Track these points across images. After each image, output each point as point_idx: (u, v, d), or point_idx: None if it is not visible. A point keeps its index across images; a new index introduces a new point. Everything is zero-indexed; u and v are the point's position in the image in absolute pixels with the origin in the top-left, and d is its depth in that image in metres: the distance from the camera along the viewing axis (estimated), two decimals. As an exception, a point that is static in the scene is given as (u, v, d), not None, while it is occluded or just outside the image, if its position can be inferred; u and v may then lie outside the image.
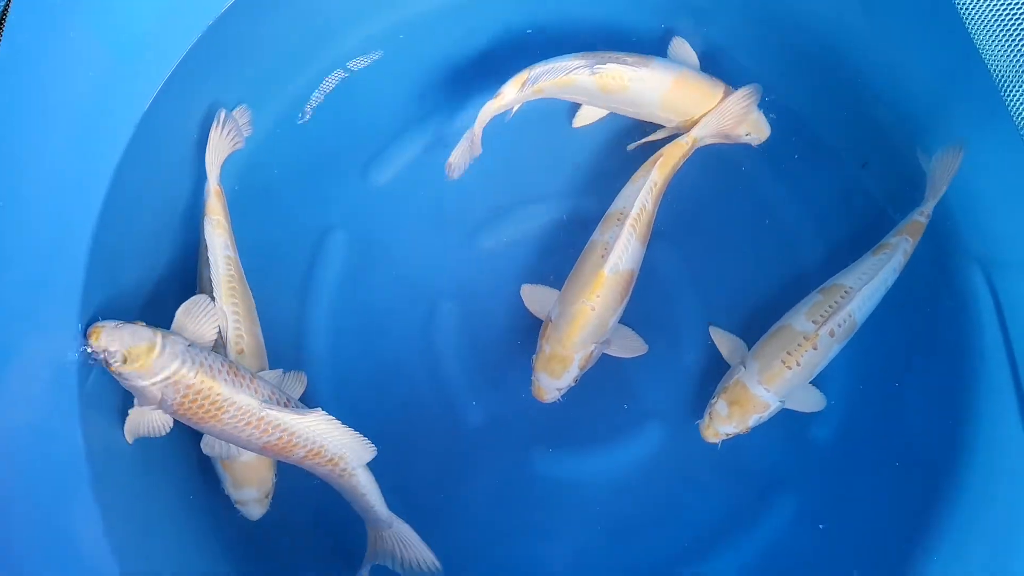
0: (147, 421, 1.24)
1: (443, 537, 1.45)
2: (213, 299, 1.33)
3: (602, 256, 1.35)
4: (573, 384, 1.38)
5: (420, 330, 1.55)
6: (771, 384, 1.33)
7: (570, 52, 1.47)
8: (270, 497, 1.39)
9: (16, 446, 1.14)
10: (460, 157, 1.41)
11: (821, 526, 1.46)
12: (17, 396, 1.15)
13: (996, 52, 1.02)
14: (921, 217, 1.40)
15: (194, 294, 1.35)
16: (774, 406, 1.34)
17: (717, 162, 1.52)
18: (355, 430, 1.25)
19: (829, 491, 1.47)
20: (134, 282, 1.36)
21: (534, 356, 1.39)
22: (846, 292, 1.35)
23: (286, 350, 1.52)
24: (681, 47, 1.50)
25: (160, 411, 1.22)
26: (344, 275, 1.57)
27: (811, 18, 1.52)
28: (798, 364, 1.32)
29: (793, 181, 1.54)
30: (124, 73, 1.29)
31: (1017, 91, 1.02)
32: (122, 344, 1.15)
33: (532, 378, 1.39)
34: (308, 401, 1.42)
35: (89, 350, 1.17)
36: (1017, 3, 0.99)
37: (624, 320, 1.41)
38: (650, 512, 1.48)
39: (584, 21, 1.56)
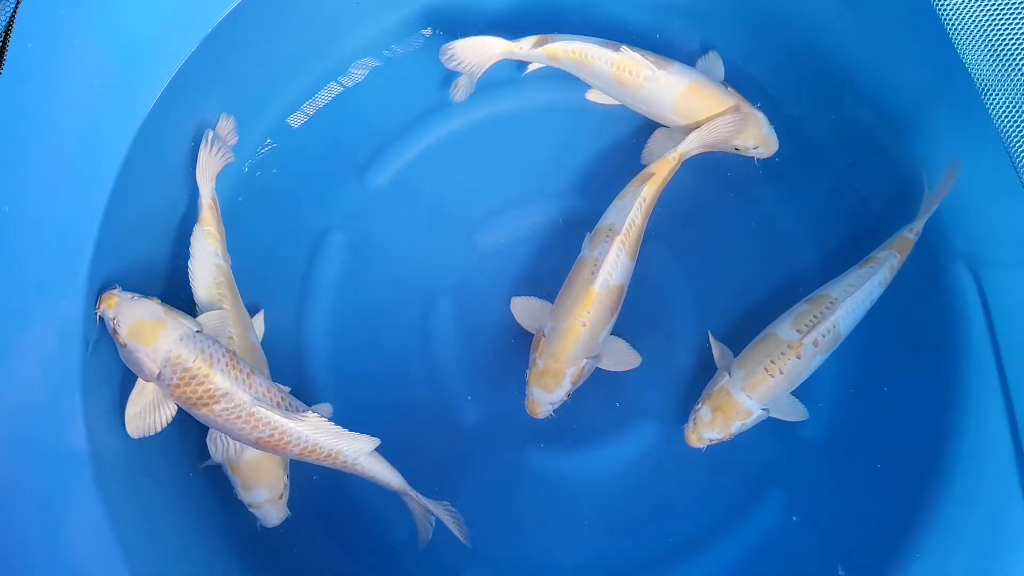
0: (149, 410, 1.24)
1: (440, 533, 1.46)
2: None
3: (592, 272, 1.37)
4: (566, 399, 1.40)
5: (418, 330, 1.57)
6: (754, 391, 1.35)
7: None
8: (284, 498, 1.39)
9: (21, 461, 1.16)
10: (461, 90, 1.51)
11: (794, 518, 1.48)
12: (20, 406, 1.17)
13: (977, 59, 1.04)
14: (910, 234, 1.42)
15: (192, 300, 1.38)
16: (757, 413, 1.36)
17: (710, 163, 1.53)
18: (350, 429, 1.26)
19: (818, 488, 1.49)
20: (138, 287, 1.38)
21: (527, 370, 1.41)
22: (831, 303, 1.36)
23: (285, 350, 1.54)
24: (711, 62, 1.52)
25: (161, 403, 1.23)
26: (343, 276, 1.59)
27: (801, 21, 1.54)
28: (781, 372, 1.34)
29: (783, 181, 1.56)
30: (127, 78, 1.32)
31: (996, 96, 1.04)
32: (132, 316, 1.18)
33: (526, 392, 1.41)
34: (311, 400, 1.44)
35: (99, 314, 1.19)
36: (996, 15, 1.01)
37: (619, 319, 1.43)
38: (643, 508, 1.50)
39: (583, 28, 1.58)
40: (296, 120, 1.62)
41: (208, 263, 1.40)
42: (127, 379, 1.28)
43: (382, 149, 1.62)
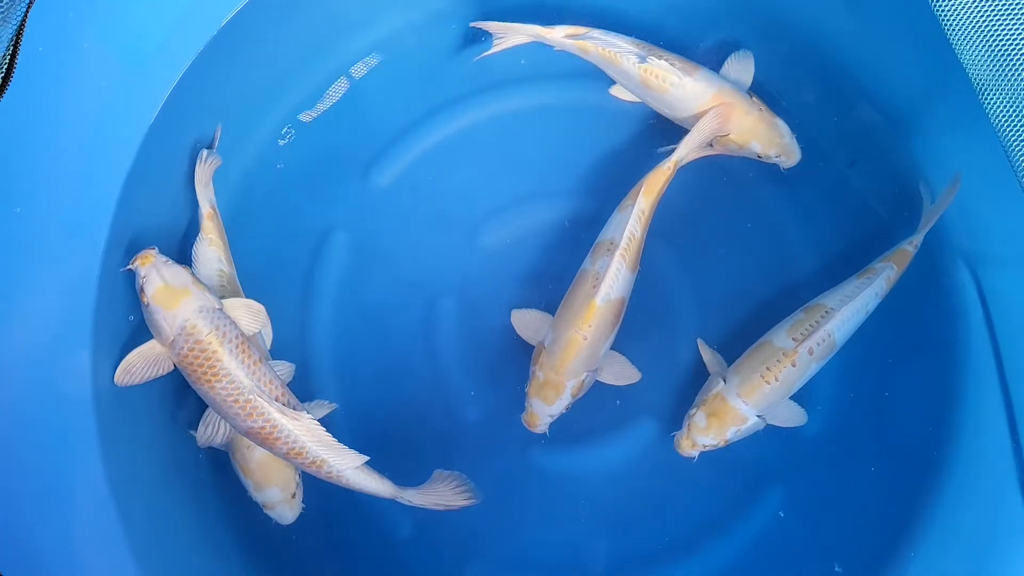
0: (146, 364, 1.25)
1: (442, 529, 1.50)
2: None
3: (593, 286, 1.38)
4: (564, 411, 1.40)
5: (421, 329, 1.58)
6: (749, 397, 1.35)
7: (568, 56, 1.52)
8: (298, 497, 1.40)
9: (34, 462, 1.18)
10: (485, 54, 1.53)
11: (781, 514, 1.49)
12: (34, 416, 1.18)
13: (974, 58, 1.05)
14: (909, 247, 1.43)
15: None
16: (752, 420, 1.36)
17: (710, 161, 1.55)
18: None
19: (817, 486, 1.50)
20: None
21: (527, 383, 1.42)
22: (827, 312, 1.37)
23: (289, 349, 1.55)
24: (739, 62, 1.53)
25: (160, 362, 1.24)
26: (346, 275, 1.60)
27: (801, 20, 1.55)
28: (776, 379, 1.35)
29: (782, 179, 1.56)
30: (134, 80, 1.34)
31: (994, 96, 1.05)
32: (160, 279, 1.20)
33: (525, 404, 1.42)
34: (315, 399, 1.45)
35: (131, 268, 1.22)
36: (993, 13, 1.02)
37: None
38: (644, 505, 1.51)
39: (583, 19, 1.58)
40: (299, 121, 1.62)
41: (212, 269, 1.41)
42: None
43: (385, 149, 1.63)
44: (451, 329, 1.58)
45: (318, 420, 1.30)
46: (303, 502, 1.42)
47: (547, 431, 1.42)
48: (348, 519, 1.50)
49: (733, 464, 1.48)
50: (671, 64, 1.47)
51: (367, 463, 1.28)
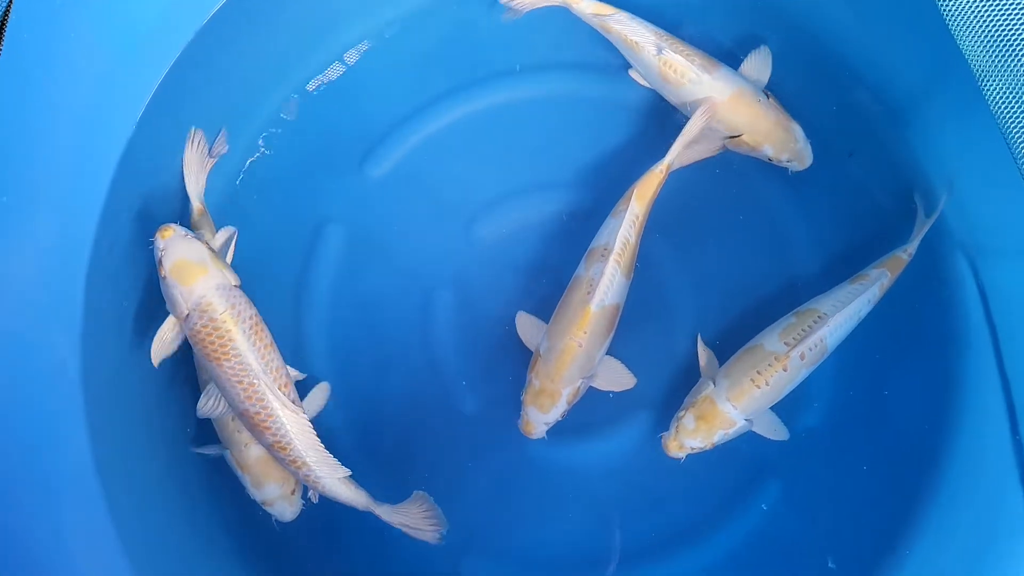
0: (168, 340, 1.26)
1: None
2: None
3: (588, 293, 1.37)
4: (560, 419, 1.40)
5: (417, 320, 1.57)
6: (738, 401, 1.34)
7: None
8: (297, 493, 1.40)
9: (26, 467, 1.18)
10: (507, 15, 1.52)
11: (764, 507, 1.49)
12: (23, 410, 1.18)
13: (974, 47, 1.04)
14: (903, 254, 1.43)
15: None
16: (740, 424, 1.36)
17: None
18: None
19: (814, 479, 1.49)
20: (134, 282, 1.40)
21: (523, 390, 1.41)
22: (819, 317, 1.37)
23: (285, 342, 1.52)
24: (757, 59, 1.52)
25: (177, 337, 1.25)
26: (341, 267, 1.59)
27: (799, 9, 1.54)
28: (767, 384, 1.34)
29: (781, 170, 1.55)
30: (123, 70, 1.33)
31: (994, 84, 1.04)
32: (179, 253, 1.20)
33: (521, 412, 1.41)
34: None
35: (153, 241, 1.21)
36: (993, 2, 1.01)
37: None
38: (640, 498, 1.50)
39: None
40: (293, 111, 1.61)
41: None
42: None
43: (381, 140, 1.61)
44: (447, 321, 1.57)
45: (320, 405, 1.34)
46: (303, 499, 1.41)
47: (545, 437, 1.41)
48: (342, 512, 1.47)
49: (730, 458, 1.47)
50: (690, 60, 1.46)
51: (349, 474, 1.29)
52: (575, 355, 1.36)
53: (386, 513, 1.31)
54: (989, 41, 1.02)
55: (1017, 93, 1.02)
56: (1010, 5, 1.01)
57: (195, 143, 1.44)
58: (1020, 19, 0.99)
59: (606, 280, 1.37)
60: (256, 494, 1.38)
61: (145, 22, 1.34)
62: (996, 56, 1.03)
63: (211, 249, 1.24)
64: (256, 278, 1.52)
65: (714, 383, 1.38)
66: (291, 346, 1.55)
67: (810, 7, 1.53)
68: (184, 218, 1.46)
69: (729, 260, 1.58)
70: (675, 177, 1.47)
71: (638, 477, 1.51)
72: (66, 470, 1.23)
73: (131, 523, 1.28)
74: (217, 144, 1.49)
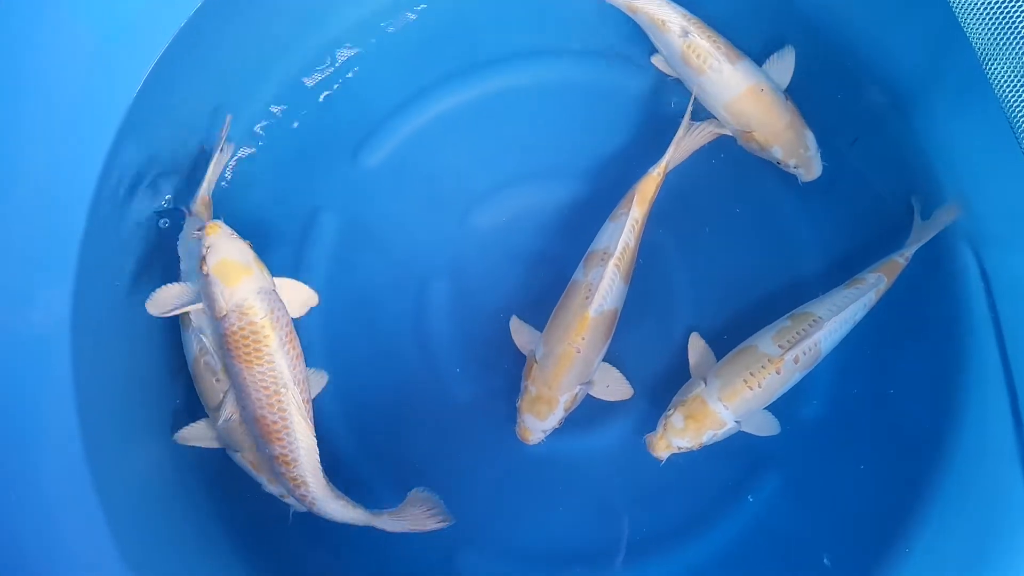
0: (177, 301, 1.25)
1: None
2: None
3: (586, 297, 1.35)
4: (558, 426, 1.38)
5: (412, 311, 1.56)
6: (730, 402, 1.32)
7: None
8: None
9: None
10: None
11: (750, 498, 1.48)
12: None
13: (977, 26, 1.02)
14: (900, 259, 1.41)
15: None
16: (729, 425, 1.34)
17: (712, 147, 1.53)
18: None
19: (815, 469, 1.48)
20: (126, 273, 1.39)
21: (519, 397, 1.39)
22: (815, 321, 1.35)
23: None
24: (780, 61, 1.50)
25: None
26: (335, 257, 1.57)
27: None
28: (759, 386, 1.32)
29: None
30: (113, 57, 1.32)
31: (998, 67, 1.02)
32: (224, 252, 1.18)
33: (517, 419, 1.39)
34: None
35: (199, 235, 1.20)
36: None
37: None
38: (638, 490, 1.49)
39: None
40: (287, 100, 1.59)
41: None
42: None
43: (375, 129, 1.60)
44: (442, 311, 1.56)
45: (314, 392, 1.31)
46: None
47: (544, 440, 1.40)
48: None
49: (730, 450, 1.45)
50: (715, 47, 1.45)
51: (344, 496, 1.30)
52: (573, 361, 1.34)
53: (387, 523, 1.32)
54: (993, 21, 1.00)
55: (1021, 74, 1.00)
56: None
57: (227, 132, 1.43)
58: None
59: (605, 285, 1.35)
60: (274, 489, 1.38)
61: (136, 7, 1.33)
62: (1000, 37, 1.01)
63: (254, 250, 1.22)
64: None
65: (705, 382, 1.36)
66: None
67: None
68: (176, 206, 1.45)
69: (729, 252, 1.56)
70: (677, 170, 1.46)
71: (637, 469, 1.49)
72: (55, 459, 1.23)
73: (121, 513, 1.27)
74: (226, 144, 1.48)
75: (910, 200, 1.47)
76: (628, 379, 1.45)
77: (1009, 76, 0.99)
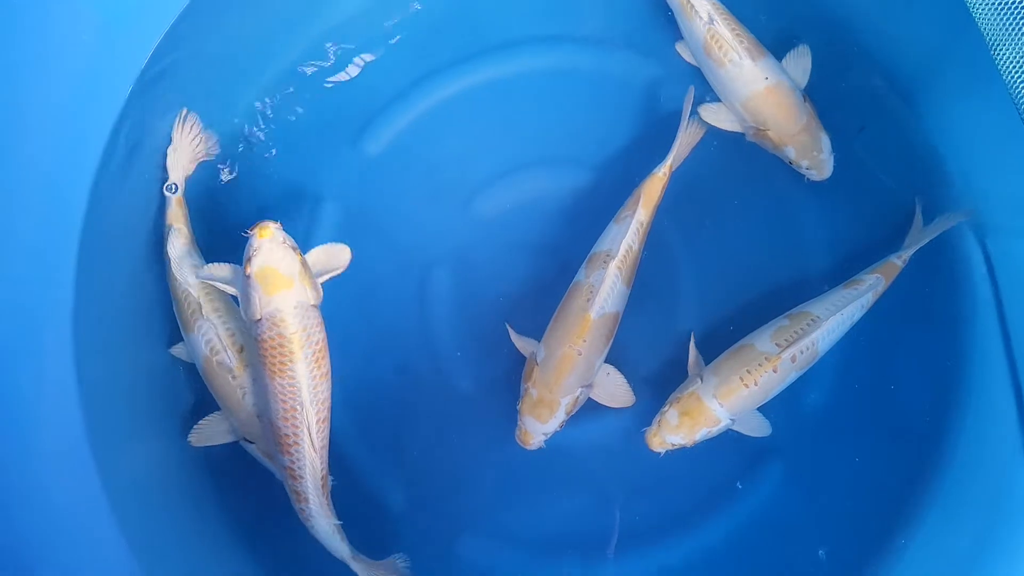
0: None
1: (435, 502, 1.49)
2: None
3: (587, 300, 1.35)
4: (559, 429, 1.38)
5: (414, 299, 1.55)
6: (726, 399, 1.32)
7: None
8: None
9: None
10: None
11: (739, 485, 1.47)
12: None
13: (986, 10, 1.01)
14: (898, 261, 1.41)
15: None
16: (724, 423, 1.33)
17: (718, 138, 1.52)
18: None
19: (818, 458, 1.48)
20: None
21: (519, 400, 1.38)
22: (812, 320, 1.35)
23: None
24: (796, 60, 1.49)
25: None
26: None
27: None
28: (756, 384, 1.32)
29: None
30: (109, 48, 1.30)
31: (1007, 52, 1.01)
32: (270, 258, 1.15)
33: (518, 422, 1.39)
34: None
35: (250, 233, 1.16)
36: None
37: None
38: (640, 478, 1.48)
39: None
40: (290, 88, 1.58)
41: (188, 266, 1.36)
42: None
43: (376, 116, 1.59)
44: (444, 300, 1.55)
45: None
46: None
47: (544, 445, 1.39)
48: (339, 491, 1.47)
49: (730, 440, 1.44)
50: (738, 40, 1.43)
51: (338, 526, 1.31)
52: (574, 363, 1.34)
53: (361, 569, 1.32)
54: (1003, 4, 0.99)
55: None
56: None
57: (184, 127, 1.41)
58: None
59: (607, 287, 1.35)
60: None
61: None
62: (1009, 21, 1.00)
63: (302, 259, 1.19)
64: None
65: (701, 379, 1.35)
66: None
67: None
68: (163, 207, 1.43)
69: (734, 244, 1.55)
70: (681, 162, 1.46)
71: (638, 458, 1.48)
72: (57, 440, 1.23)
73: (126, 500, 1.28)
74: (209, 143, 1.47)
75: (914, 199, 1.46)
76: (632, 370, 1.44)
77: (1018, 61, 0.98)
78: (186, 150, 1.42)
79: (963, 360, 1.41)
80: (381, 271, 1.56)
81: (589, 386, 1.38)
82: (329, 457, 1.29)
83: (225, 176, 1.54)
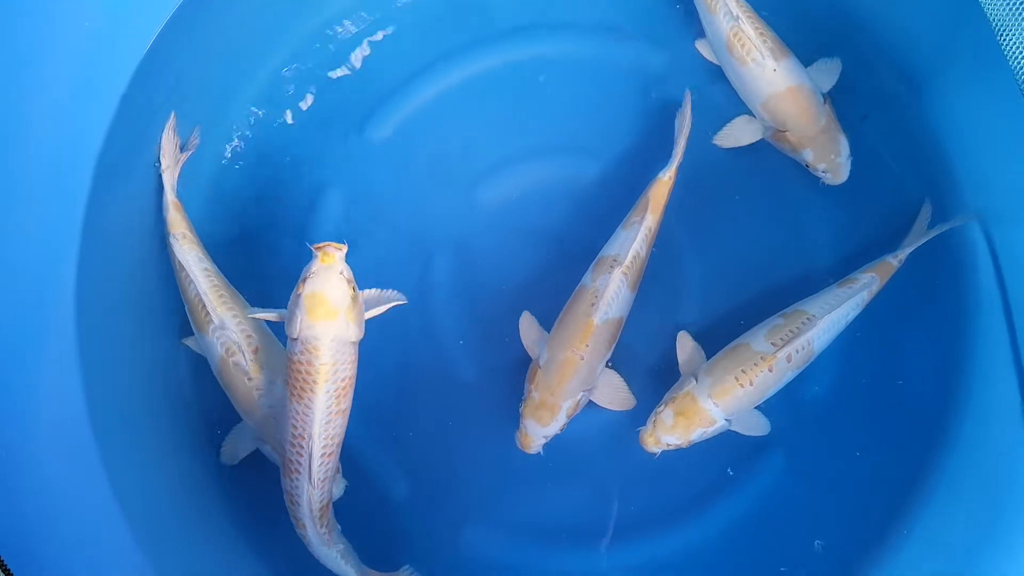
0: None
1: (439, 491, 1.50)
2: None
3: (592, 304, 1.35)
4: (559, 432, 1.37)
5: (417, 286, 1.55)
6: (721, 399, 1.31)
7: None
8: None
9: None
10: None
11: (730, 471, 1.47)
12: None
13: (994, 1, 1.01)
14: (894, 260, 1.41)
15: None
16: (719, 423, 1.33)
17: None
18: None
19: (819, 447, 1.47)
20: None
21: (522, 402, 1.38)
22: (808, 319, 1.34)
23: (283, 306, 1.52)
24: (824, 68, 1.49)
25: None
26: (341, 232, 1.56)
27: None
28: (751, 384, 1.31)
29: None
30: (109, 38, 1.30)
31: (1014, 37, 1.01)
32: (323, 285, 1.13)
33: (520, 424, 1.38)
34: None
35: (314, 248, 1.14)
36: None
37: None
38: (642, 467, 1.47)
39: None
40: (293, 74, 1.58)
41: (198, 271, 1.36)
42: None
43: (382, 103, 1.59)
44: (448, 287, 1.55)
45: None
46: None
47: (542, 451, 1.39)
48: (347, 477, 1.47)
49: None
50: (762, 40, 1.42)
51: (342, 550, 1.31)
52: (576, 368, 1.34)
53: None
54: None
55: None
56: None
57: (172, 129, 1.41)
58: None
59: (611, 293, 1.35)
60: None
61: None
62: (1016, 6, 1.00)
63: (354, 294, 1.17)
64: (254, 244, 1.52)
65: (696, 379, 1.35)
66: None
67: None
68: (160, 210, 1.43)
69: (738, 229, 1.55)
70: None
71: (639, 449, 1.45)
72: (61, 436, 1.23)
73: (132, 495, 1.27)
74: (191, 140, 1.46)
75: (922, 199, 1.45)
76: (632, 358, 1.44)
77: (1024, 46, 0.98)
78: (172, 156, 1.42)
79: (966, 349, 1.40)
80: (384, 258, 1.56)
81: (590, 390, 1.38)
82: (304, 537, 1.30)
83: (228, 154, 1.54)
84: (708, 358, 1.40)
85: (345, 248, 1.14)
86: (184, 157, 1.44)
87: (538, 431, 1.36)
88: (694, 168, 1.49)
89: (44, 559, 1.14)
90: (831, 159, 1.45)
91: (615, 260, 1.37)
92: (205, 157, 1.49)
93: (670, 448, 1.34)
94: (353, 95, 1.58)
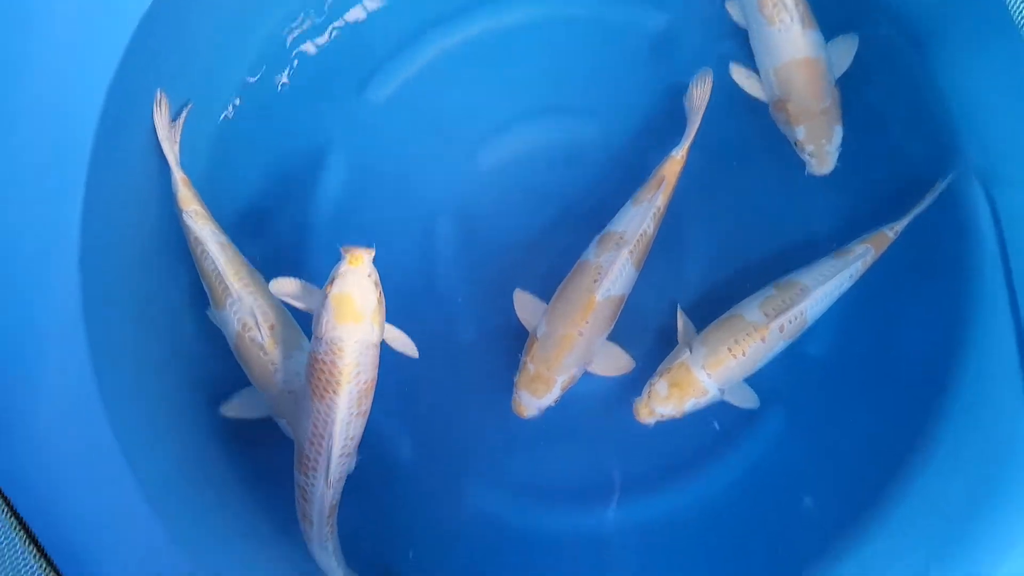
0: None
1: (442, 451, 1.51)
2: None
3: (594, 280, 1.33)
4: (553, 404, 1.38)
5: (418, 249, 1.54)
6: (714, 370, 1.32)
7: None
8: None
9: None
10: None
11: (716, 425, 1.48)
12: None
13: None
14: (890, 232, 1.40)
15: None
16: (712, 393, 1.34)
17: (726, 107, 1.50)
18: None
19: (820, 407, 1.49)
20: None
21: (517, 372, 1.38)
22: (801, 289, 1.34)
23: (284, 271, 1.51)
24: (846, 45, 1.46)
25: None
26: (341, 195, 1.55)
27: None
28: (744, 354, 1.32)
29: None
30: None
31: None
32: (351, 288, 1.14)
33: (513, 394, 1.39)
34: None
35: (343, 251, 1.15)
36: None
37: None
38: (643, 427, 1.46)
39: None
40: (293, 37, 1.56)
41: (213, 246, 1.35)
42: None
43: (382, 63, 1.57)
44: (449, 249, 1.55)
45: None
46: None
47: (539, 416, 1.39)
48: (392, 511, 1.51)
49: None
50: (796, 3, 1.40)
51: (334, 549, 1.32)
52: (575, 344, 1.33)
53: None
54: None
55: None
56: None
57: (162, 106, 1.39)
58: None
59: (615, 270, 1.33)
60: None
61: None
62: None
63: (381, 298, 1.18)
64: (255, 209, 1.52)
65: (690, 350, 1.36)
66: (293, 275, 1.52)
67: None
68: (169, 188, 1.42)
69: (741, 195, 1.54)
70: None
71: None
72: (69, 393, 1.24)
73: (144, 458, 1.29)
74: (183, 112, 1.44)
75: (931, 175, 1.44)
76: (637, 318, 1.44)
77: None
78: (167, 131, 1.41)
79: (967, 312, 1.41)
80: (385, 221, 1.56)
81: (587, 364, 1.38)
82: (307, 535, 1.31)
83: (229, 113, 1.53)
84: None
85: (373, 251, 1.14)
86: (178, 127, 1.42)
87: (532, 403, 1.37)
88: (697, 139, 1.46)
89: (56, 514, 1.17)
90: (820, 143, 1.43)
91: (622, 238, 1.36)
92: (202, 126, 1.48)
93: (664, 419, 1.35)
94: (354, 56, 1.56)
